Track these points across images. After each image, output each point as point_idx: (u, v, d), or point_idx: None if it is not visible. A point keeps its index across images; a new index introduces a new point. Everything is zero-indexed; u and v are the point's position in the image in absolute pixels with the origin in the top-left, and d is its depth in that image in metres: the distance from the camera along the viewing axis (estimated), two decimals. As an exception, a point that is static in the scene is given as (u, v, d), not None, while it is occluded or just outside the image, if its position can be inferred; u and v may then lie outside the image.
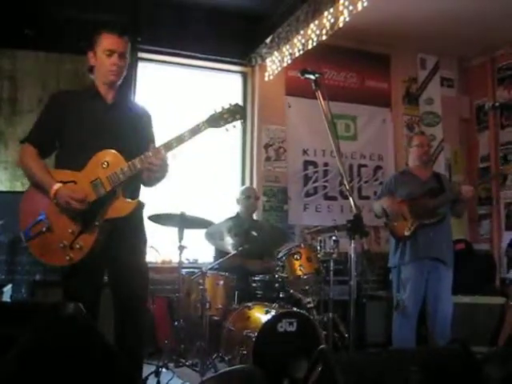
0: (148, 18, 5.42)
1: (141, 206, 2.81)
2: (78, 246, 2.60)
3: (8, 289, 4.17)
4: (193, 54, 5.83)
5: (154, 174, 2.73)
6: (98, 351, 1.67)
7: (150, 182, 2.85)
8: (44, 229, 2.61)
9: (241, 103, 2.83)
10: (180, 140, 2.65)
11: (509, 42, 6.25)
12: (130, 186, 2.75)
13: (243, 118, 2.77)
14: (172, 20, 5.54)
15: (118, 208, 2.66)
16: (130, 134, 2.79)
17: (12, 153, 5.09)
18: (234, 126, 2.77)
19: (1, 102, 5.11)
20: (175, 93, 5.86)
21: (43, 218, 2.62)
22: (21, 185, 5.03)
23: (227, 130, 2.76)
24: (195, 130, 2.67)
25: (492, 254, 6.22)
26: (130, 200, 2.71)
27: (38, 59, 5.21)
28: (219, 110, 2.74)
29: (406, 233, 4.09)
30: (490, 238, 6.45)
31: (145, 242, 2.91)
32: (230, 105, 2.74)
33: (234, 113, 2.72)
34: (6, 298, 4.06)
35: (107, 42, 2.75)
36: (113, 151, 2.67)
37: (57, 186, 2.60)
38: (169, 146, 2.66)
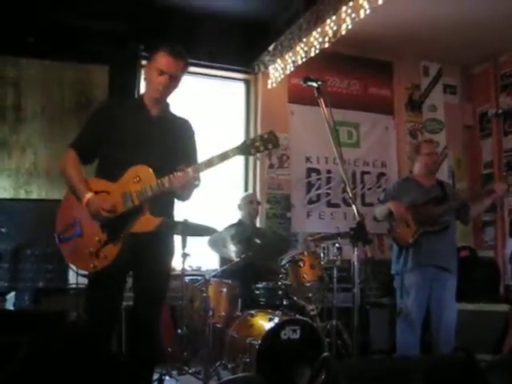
0: (151, 26, 5.43)
1: (169, 223, 2.88)
2: (102, 255, 2.67)
3: (11, 296, 4.17)
4: (196, 61, 5.83)
5: (180, 192, 2.78)
6: (102, 359, 1.67)
7: (180, 198, 2.93)
8: (76, 233, 2.73)
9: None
10: (208, 164, 2.70)
11: (511, 50, 6.25)
12: (160, 202, 2.77)
13: (276, 147, 2.75)
14: (175, 28, 5.56)
15: (143, 223, 2.71)
16: (170, 148, 2.84)
17: (16, 160, 5.11)
18: (270, 155, 2.81)
19: (5, 109, 5.13)
20: (178, 100, 5.87)
21: (76, 224, 2.74)
22: (24, 192, 5.06)
23: (257, 157, 2.78)
24: (224, 156, 2.70)
25: (496, 260, 6.20)
26: (153, 217, 2.73)
27: (42, 67, 5.24)
28: (252, 137, 2.78)
29: (410, 240, 4.09)
30: (495, 244, 6.43)
31: (170, 254, 2.97)
32: (265, 133, 2.73)
33: (267, 142, 2.70)
34: (10, 305, 4.07)
35: (161, 61, 2.81)
36: (146, 167, 2.72)
37: (89, 194, 2.69)
38: (197, 169, 2.70)
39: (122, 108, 2.93)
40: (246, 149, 2.70)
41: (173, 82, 2.85)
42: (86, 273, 2.99)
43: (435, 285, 4.07)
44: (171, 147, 2.85)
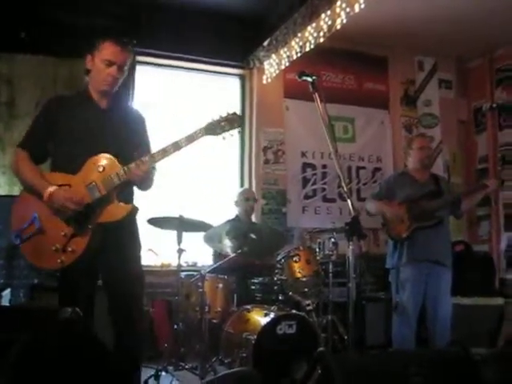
0: (146, 22, 5.42)
1: (135, 210, 2.80)
2: (70, 249, 2.59)
3: (7, 293, 4.15)
4: (191, 57, 5.84)
5: (146, 178, 2.74)
6: (93, 352, 1.67)
7: (142, 187, 2.86)
8: (36, 231, 2.61)
9: (238, 111, 2.85)
10: (176, 146, 2.67)
11: (507, 44, 6.25)
12: (125, 190, 2.75)
13: (240, 126, 2.79)
14: (170, 23, 5.55)
15: (112, 212, 2.66)
16: (124, 138, 2.80)
17: (10, 157, 5.08)
18: (232, 135, 2.79)
19: (-1, 106, 5.11)
20: (173, 96, 5.87)
21: (35, 220, 2.62)
22: (19, 189, 5.02)
23: (224, 138, 2.78)
24: (192, 137, 2.69)
25: (491, 254, 6.21)
26: (123, 204, 2.70)
27: (35, 63, 5.21)
28: (217, 118, 2.75)
29: (404, 235, 4.09)
30: (489, 238, 6.45)
31: (139, 246, 2.90)
32: (228, 113, 2.76)
33: (232, 121, 2.74)
34: (5, 302, 4.05)
35: (108, 51, 2.75)
36: (108, 155, 2.68)
37: (52, 188, 2.61)
38: (165, 152, 2.66)
39: (70, 102, 2.85)
40: (211, 129, 2.71)
41: (121, 72, 2.79)
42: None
43: (430, 279, 4.08)
44: (124, 137, 2.80)
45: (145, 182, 2.79)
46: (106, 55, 2.74)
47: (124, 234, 2.76)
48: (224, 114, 2.75)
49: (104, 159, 2.67)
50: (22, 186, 2.76)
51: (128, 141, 2.80)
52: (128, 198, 2.82)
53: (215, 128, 2.71)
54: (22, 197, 2.76)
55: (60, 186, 2.64)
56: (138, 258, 2.88)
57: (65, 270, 2.63)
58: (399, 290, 4.14)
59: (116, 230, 2.68)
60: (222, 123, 2.72)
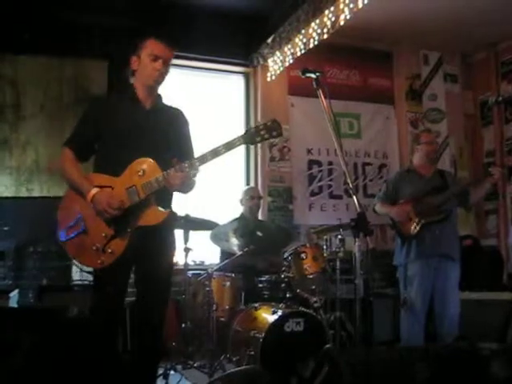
0: (150, 20, 5.42)
1: (173, 215, 2.87)
2: (109, 251, 2.65)
3: (15, 294, 4.17)
4: (194, 55, 5.83)
5: (185, 185, 2.77)
6: (104, 354, 1.67)
7: (182, 191, 2.88)
8: (80, 230, 2.70)
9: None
10: (215, 154, 2.68)
11: (511, 36, 6.21)
12: (162, 194, 2.77)
13: (280, 135, 2.75)
14: (173, 22, 5.54)
15: (151, 216, 2.70)
16: (168, 141, 2.84)
17: (17, 158, 5.11)
18: (274, 144, 2.80)
19: (4, 108, 5.13)
20: (178, 94, 5.86)
21: (80, 220, 2.70)
22: (26, 190, 5.06)
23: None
24: (230, 145, 2.68)
25: (499, 249, 6.19)
26: (162, 209, 2.73)
27: (40, 64, 5.23)
28: (256, 125, 2.77)
29: (412, 232, 4.09)
30: (497, 233, 6.42)
31: (173, 247, 2.95)
32: (269, 121, 2.73)
33: (271, 129, 2.70)
34: (13, 303, 4.07)
35: (154, 47, 2.80)
36: (150, 160, 2.70)
37: (94, 190, 2.66)
38: (203, 159, 2.68)
39: (116, 103, 2.90)
40: (250, 137, 2.69)
41: (166, 67, 2.84)
42: (90, 269, 2.98)
43: (439, 275, 4.08)
44: (168, 139, 2.84)
45: (184, 188, 2.81)
46: (152, 50, 2.79)
47: (160, 238, 2.80)
48: (264, 122, 2.74)
49: (145, 163, 2.70)
50: (68, 184, 2.83)
51: (172, 142, 2.84)
52: (167, 203, 2.85)
53: (254, 136, 2.70)
54: (67, 195, 2.82)
55: (102, 187, 2.69)
56: (171, 263, 2.94)
57: (102, 269, 2.70)
58: (407, 286, 4.13)
59: (154, 233, 2.72)
60: (262, 131, 2.69)
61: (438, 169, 4.49)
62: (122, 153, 2.73)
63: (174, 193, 2.90)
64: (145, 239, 2.71)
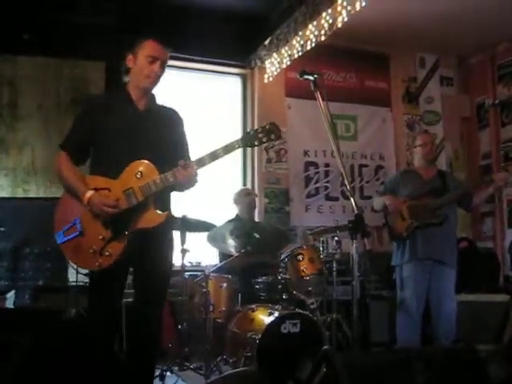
0: (146, 21, 5.41)
1: (171, 218, 2.85)
2: (107, 253, 2.64)
3: (11, 295, 4.16)
4: (192, 57, 5.83)
5: (183, 186, 2.80)
6: (100, 356, 1.67)
7: (179, 190, 2.89)
8: (77, 233, 2.69)
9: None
10: (213, 157, 2.68)
11: (508, 39, 6.24)
12: (160, 196, 2.77)
13: (278, 138, 2.77)
14: (170, 23, 5.54)
15: (149, 219, 2.69)
16: (163, 142, 2.82)
17: (13, 159, 5.09)
18: (272, 146, 2.80)
19: (1, 108, 5.11)
20: (175, 96, 5.86)
21: (77, 223, 2.69)
22: (22, 191, 5.05)
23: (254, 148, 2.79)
24: (229, 148, 2.69)
25: (495, 251, 6.21)
26: (160, 212, 2.72)
27: (38, 64, 5.22)
28: (255, 128, 2.78)
29: (404, 233, 4.08)
30: (493, 235, 6.44)
31: (171, 249, 2.94)
32: (267, 124, 2.74)
33: (270, 132, 2.72)
34: (10, 304, 4.06)
35: (152, 48, 2.79)
36: (147, 162, 2.69)
37: (89, 193, 2.65)
38: (202, 162, 2.68)
39: (110, 104, 2.87)
40: (249, 140, 2.71)
41: (162, 69, 2.83)
42: (86, 271, 2.97)
43: (433, 278, 4.07)
44: (164, 139, 2.83)
45: (186, 185, 2.82)
46: (150, 51, 2.78)
47: (159, 240, 2.79)
48: (263, 125, 2.75)
49: (142, 165, 2.69)
50: (64, 187, 2.81)
51: (167, 143, 2.83)
52: (165, 205, 2.84)
53: (252, 139, 2.71)
54: (63, 199, 2.80)
55: (99, 189, 2.68)
56: (170, 266, 2.93)
57: (99, 272, 2.68)
58: (403, 287, 4.14)
59: (152, 236, 2.71)
60: (260, 135, 2.70)
61: (440, 170, 4.49)
62: (117, 155, 2.72)
63: (171, 194, 2.90)
64: (143, 242, 2.70)
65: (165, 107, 3.01)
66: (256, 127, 2.77)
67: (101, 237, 2.66)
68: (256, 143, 2.72)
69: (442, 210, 4.08)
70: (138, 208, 2.68)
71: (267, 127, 2.71)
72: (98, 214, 2.65)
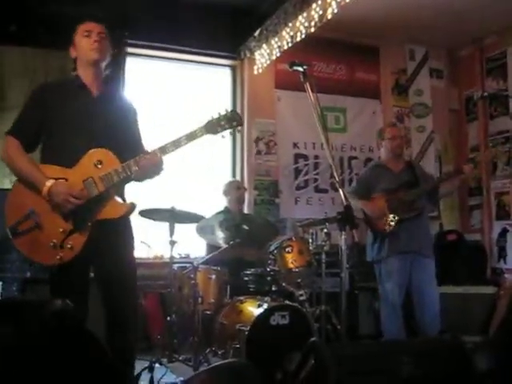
0: (136, 13, 5.37)
1: (134, 208, 2.73)
2: (68, 246, 2.52)
3: (-2, 287, 4.14)
4: (181, 48, 5.80)
5: (146, 175, 2.72)
6: (86, 347, 1.66)
7: (140, 179, 2.78)
8: (33, 226, 2.51)
9: (229, 102, 2.84)
10: (176, 144, 2.64)
11: (496, 32, 6.25)
12: (122, 185, 2.71)
13: (240, 124, 2.76)
14: (160, 14, 5.50)
15: (111, 209, 2.61)
16: (118, 129, 2.72)
17: (0, 150, 5.03)
18: (231, 133, 2.78)
19: (-12, 99, 5.06)
20: (164, 87, 5.83)
21: (32, 215, 2.51)
22: (9, 182, 4.97)
23: (223, 136, 2.76)
24: (192, 136, 2.66)
25: (483, 244, 6.25)
26: (123, 202, 2.67)
27: (25, 55, 5.15)
28: (216, 116, 2.74)
29: (386, 229, 4.07)
30: (481, 228, 6.47)
31: (132, 238, 2.83)
32: (227, 111, 2.74)
33: (231, 120, 2.71)
34: (-3, 296, 4.04)
35: (84, 25, 2.71)
36: (106, 150, 2.60)
37: (50, 182, 2.51)
38: (164, 150, 2.63)
39: (61, 89, 2.76)
40: (211, 127, 2.69)
41: (103, 40, 2.71)
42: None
43: (414, 269, 4.08)
44: (119, 125, 2.73)
45: (150, 175, 2.74)
46: (83, 28, 2.71)
47: (120, 230, 2.70)
48: (223, 113, 2.73)
49: (101, 154, 2.59)
50: (16, 176, 2.66)
51: (122, 131, 2.74)
52: (120, 193, 2.75)
53: (215, 126, 2.69)
54: (16, 188, 2.64)
55: (55, 179, 2.54)
56: (133, 254, 2.82)
57: (59, 268, 2.55)
58: (384, 281, 4.14)
59: (114, 226, 2.63)
60: (222, 122, 2.69)
61: (407, 161, 4.49)
62: (71, 142, 2.60)
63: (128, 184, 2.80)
64: (105, 233, 2.59)
65: (120, 95, 2.94)
66: (218, 114, 2.72)
67: (61, 229, 2.52)
68: (218, 130, 2.70)
69: (417, 201, 4.10)
70: (100, 198, 2.57)
71: (228, 114, 2.72)
72: (58, 205, 2.52)
